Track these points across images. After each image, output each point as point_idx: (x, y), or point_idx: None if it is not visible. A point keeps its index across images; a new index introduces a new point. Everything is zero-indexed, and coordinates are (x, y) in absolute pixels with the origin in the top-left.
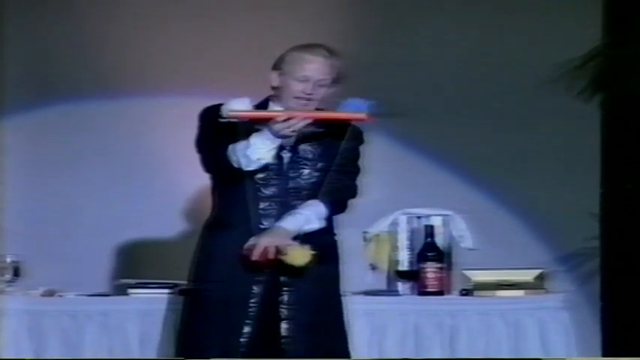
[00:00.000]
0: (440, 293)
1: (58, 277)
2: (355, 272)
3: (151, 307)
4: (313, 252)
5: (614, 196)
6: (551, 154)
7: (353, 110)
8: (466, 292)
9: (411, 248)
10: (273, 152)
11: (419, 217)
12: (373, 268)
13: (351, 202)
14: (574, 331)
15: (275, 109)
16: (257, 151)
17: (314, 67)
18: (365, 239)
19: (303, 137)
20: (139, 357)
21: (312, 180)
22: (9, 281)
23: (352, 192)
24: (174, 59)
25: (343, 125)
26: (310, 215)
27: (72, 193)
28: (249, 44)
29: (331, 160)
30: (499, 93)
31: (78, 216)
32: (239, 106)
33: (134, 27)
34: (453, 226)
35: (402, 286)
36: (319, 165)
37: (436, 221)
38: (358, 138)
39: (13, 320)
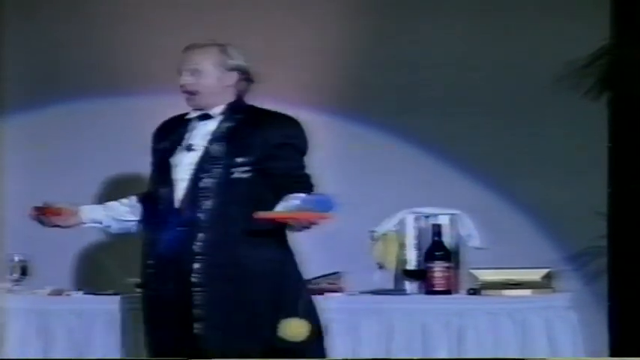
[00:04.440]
0: (447, 292)
1: (65, 276)
2: (362, 271)
3: None
4: (310, 325)
5: (621, 195)
6: (559, 152)
7: (318, 209)
8: (474, 292)
9: (419, 247)
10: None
11: (426, 216)
12: (380, 267)
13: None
14: (581, 330)
15: (193, 112)
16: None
17: (184, 59)
18: (372, 238)
19: (214, 137)
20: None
21: (231, 178)
22: (16, 280)
23: (312, 181)
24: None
25: (261, 118)
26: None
27: (79, 192)
28: (257, 45)
29: (254, 155)
30: (507, 92)
31: None
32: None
33: (139, 26)
34: (461, 225)
35: (409, 286)
36: (238, 161)
37: (444, 220)
38: (289, 123)
39: (20, 319)
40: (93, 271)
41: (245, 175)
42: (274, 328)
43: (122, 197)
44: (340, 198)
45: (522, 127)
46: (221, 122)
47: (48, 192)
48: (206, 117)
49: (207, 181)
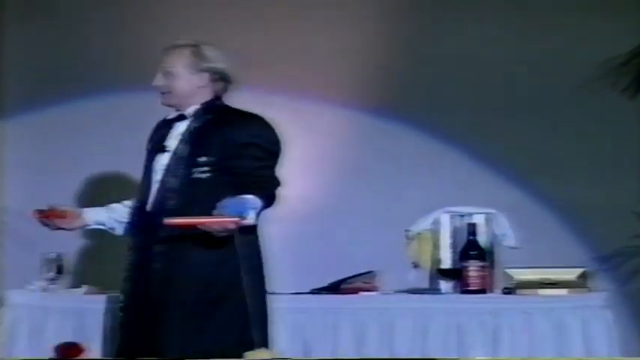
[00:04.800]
0: (482, 292)
1: (100, 275)
2: (397, 270)
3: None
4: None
5: None
6: (594, 152)
7: (229, 213)
8: (509, 291)
9: (454, 246)
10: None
11: (461, 216)
12: (416, 266)
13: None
14: (617, 330)
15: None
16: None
17: (161, 60)
18: (407, 237)
19: (183, 137)
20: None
21: (191, 177)
22: (52, 279)
23: (275, 182)
24: None
25: (228, 118)
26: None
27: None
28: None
29: (215, 154)
30: (542, 90)
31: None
32: None
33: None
34: (496, 225)
35: (444, 285)
36: (199, 161)
37: (479, 219)
38: (255, 123)
39: (56, 318)
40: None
41: (204, 175)
42: (217, 330)
43: (125, 199)
44: (375, 197)
45: (558, 126)
46: (191, 123)
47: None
48: (181, 118)
49: (172, 182)
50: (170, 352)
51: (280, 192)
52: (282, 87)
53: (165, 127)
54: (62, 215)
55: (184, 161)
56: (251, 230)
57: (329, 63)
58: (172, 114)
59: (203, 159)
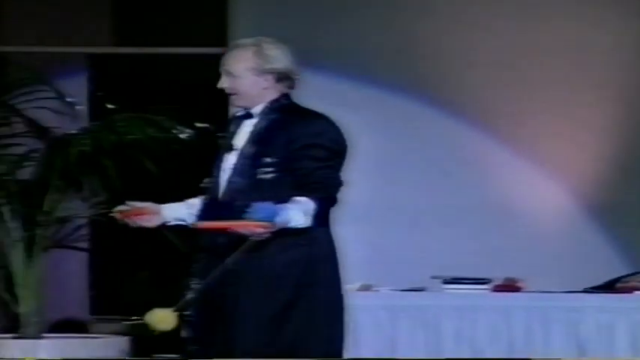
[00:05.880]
0: None
1: (374, 271)
2: None
3: (466, 302)
4: (176, 315)
5: None
6: None
7: (258, 218)
8: None
9: None
10: None
11: None
12: None
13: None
14: None
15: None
16: None
17: (224, 61)
18: None
19: (251, 137)
20: (453, 355)
21: (256, 179)
22: None
23: (336, 182)
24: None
25: (293, 118)
26: (294, 210)
27: (389, 189)
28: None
29: (279, 155)
30: None
31: (395, 211)
32: None
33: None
34: None
35: None
36: (264, 161)
37: None
38: (319, 123)
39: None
40: (396, 267)
41: (268, 176)
42: (294, 329)
43: None
44: None
45: None
46: (257, 122)
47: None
48: (248, 116)
49: (239, 182)
50: (244, 352)
51: (342, 193)
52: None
53: (234, 124)
54: (141, 213)
55: (250, 161)
56: (322, 227)
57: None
58: (240, 111)
59: (267, 159)
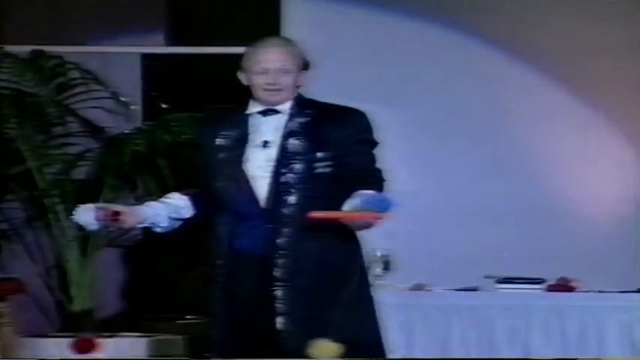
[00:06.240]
0: None
1: (426, 271)
2: None
3: (519, 302)
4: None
5: None
6: None
7: (375, 208)
8: None
9: None
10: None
11: None
12: None
13: None
14: None
15: (255, 104)
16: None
17: (269, 58)
18: None
19: (289, 132)
20: (507, 354)
21: (314, 172)
22: (379, 275)
23: (382, 174)
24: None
25: (334, 113)
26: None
27: (440, 189)
28: None
29: (334, 150)
30: None
31: (446, 210)
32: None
33: None
34: None
35: None
36: (319, 156)
37: None
38: (362, 117)
39: (382, 313)
40: (449, 267)
41: (327, 170)
42: (353, 323)
43: None
44: None
45: None
46: (292, 117)
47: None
48: (271, 112)
49: (288, 177)
50: (293, 346)
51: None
52: None
53: (241, 120)
54: (116, 215)
55: (300, 156)
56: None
57: None
58: (253, 108)
59: (321, 154)
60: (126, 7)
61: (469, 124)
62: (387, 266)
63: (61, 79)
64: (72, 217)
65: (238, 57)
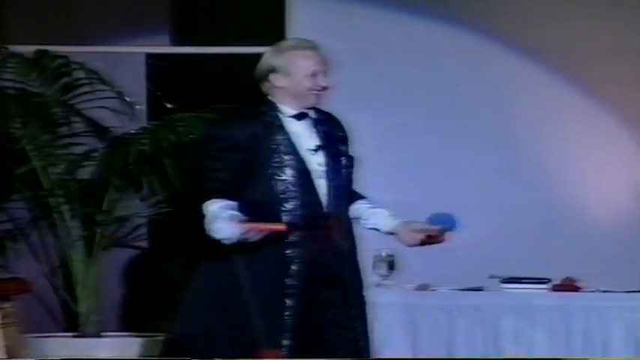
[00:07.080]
0: None
1: (431, 271)
2: None
3: (524, 302)
4: None
5: None
6: None
7: (442, 225)
8: None
9: None
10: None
11: None
12: None
13: None
14: None
15: (285, 107)
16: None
17: (317, 61)
18: None
19: (330, 136)
20: (513, 354)
21: (352, 177)
22: (384, 275)
23: None
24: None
25: (333, 118)
26: None
27: (445, 189)
28: None
29: (348, 152)
30: None
31: (452, 210)
32: None
33: None
34: None
35: None
36: (347, 160)
37: None
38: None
39: (387, 313)
40: (453, 266)
41: (352, 175)
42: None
43: None
44: None
45: None
46: (317, 122)
47: (423, 187)
48: (303, 116)
49: (339, 181)
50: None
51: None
52: None
53: (273, 124)
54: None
55: (342, 161)
56: None
57: None
58: (287, 111)
59: (346, 158)
60: (131, 7)
61: (477, 124)
62: (391, 266)
63: (65, 79)
64: (213, 235)
65: (243, 56)
